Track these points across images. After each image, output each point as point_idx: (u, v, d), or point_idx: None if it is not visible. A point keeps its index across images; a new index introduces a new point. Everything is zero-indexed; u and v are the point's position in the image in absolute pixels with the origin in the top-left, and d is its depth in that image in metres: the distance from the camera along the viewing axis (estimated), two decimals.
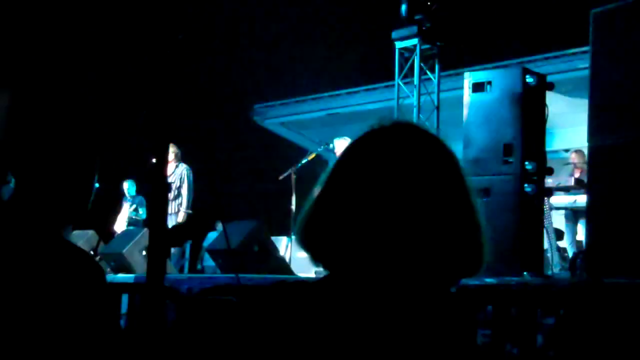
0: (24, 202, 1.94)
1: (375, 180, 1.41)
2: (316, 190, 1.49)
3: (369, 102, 13.35)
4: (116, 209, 11.13)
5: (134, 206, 11.04)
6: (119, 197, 11.17)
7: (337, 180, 1.47)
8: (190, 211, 9.59)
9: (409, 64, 9.77)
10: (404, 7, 9.50)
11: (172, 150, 9.51)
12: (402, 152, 1.44)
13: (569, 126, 10.67)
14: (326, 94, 14.09)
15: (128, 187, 11.21)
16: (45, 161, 1.97)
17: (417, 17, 9.44)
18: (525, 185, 6.33)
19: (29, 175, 1.96)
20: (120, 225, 10.96)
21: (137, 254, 7.63)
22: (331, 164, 1.53)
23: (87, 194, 2.07)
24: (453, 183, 1.45)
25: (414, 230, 1.38)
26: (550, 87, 6.67)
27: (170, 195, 9.25)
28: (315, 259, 1.47)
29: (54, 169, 1.98)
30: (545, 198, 7.37)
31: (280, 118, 15.31)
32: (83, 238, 9.29)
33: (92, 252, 8.49)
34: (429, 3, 9.42)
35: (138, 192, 11.27)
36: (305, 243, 1.48)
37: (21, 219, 1.92)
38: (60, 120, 2.03)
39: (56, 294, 1.81)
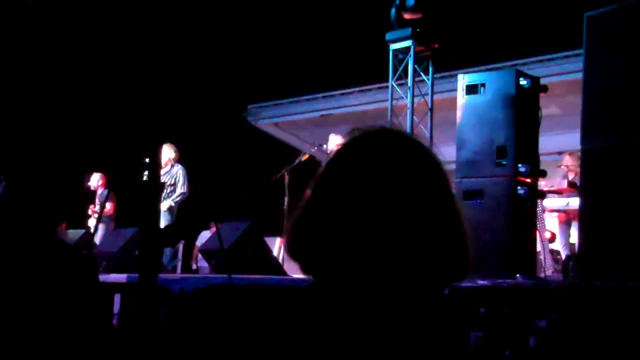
0: (15, 201, 1.94)
1: (361, 188, 1.41)
2: (303, 200, 1.49)
3: (363, 104, 13.36)
4: (87, 203, 11.16)
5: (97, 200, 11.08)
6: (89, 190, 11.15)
7: (323, 190, 1.47)
8: (174, 203, 9.65)
9: (402, 66, 9.77)
10: (393, 12, 9.52)
11: (172, 151, 9.62)
12: (387, 159, 1.44)
13: (562, 129, 10.69)
14: (320, 95, 14.09)
15: (98, 180, 11.22)
16: (36, 160, 1.97)
17: (409, 18, 9.45)
18: (518, 187, 6.34)
19: (20, 175, 1.96)
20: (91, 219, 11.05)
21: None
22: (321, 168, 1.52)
23: (77, 192, 2.07)
24: (438, 189, 1.45)
25: (400, 237, 1.38)
26: (544, 89, 6.68)
27: (164, 195, 9.33)
28: (305, 269, 1.47)
29: (44, 168, 1.97)
30: (538, 200, 7.39)
31: (274, 119, 15.31)
32: (76, 237, 9.28)
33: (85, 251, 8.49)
34: (414, 3, 9.41)
35: (105, 186, 11.29)
36: (294, 253, 1.48)
37: (13, 218, 1.92)
38: (50, 121, 2.03)
39: (48, 290, 1.81)
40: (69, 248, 1.97)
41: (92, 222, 11.02)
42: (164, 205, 9.48)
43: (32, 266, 1.84)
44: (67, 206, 1.96)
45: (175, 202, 9.73)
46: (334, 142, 8.86)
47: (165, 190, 9.49)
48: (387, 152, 1.45)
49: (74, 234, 9.42)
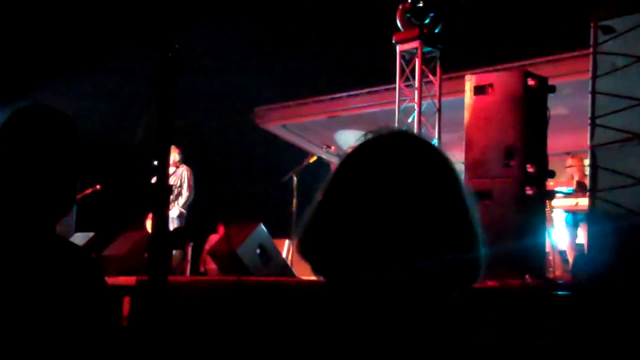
0: (7, 198, 1.92)
1: (374, 190, 1.41)
2: (315, 200, 1.49)
3: (371, 105, 13.36)
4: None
5: None
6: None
7: (335, 191, 1.47)
8: (184, 210, 9.68)
9: (410, 67, 9.77)
10: (398, 14, 9.53)
11: (174, 152, 9.64)
12: (399, 162, 1.44)
13: (570, 129, 10.67)
14: (328, 97, 14.08)
15: None
16: (26, 155, 1.95)
17: (416, 21, 9.45)
18: (527, 188, 6.33)
19: (10, 172, 1.94)
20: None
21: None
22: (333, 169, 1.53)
23: (72, 185, 2.05)
24: (450, 192, 1.45)
25: (412, 240, 1.38)
26: (552, 90, 6.67)
27: (171, 197, 9.37)
28: (316, 269, 1.48)
29: (35, 162, 1.96)
30: (547, 201, 7.37)
31: (282, 120, 15.31)
32: (84, 240, 9.31)
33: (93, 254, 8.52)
34: (421, 4, 9.41)
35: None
36: (305, 254, 1.49)
37: (8, 217, 1.90)
38: (41, 114, 2.02)
39: (52, 289, 1.81)
40: (70, 245, 1.96)
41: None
42: (174, 211, 9.51)
43: (32, 264, 1.84)
44: (62, 200, 1.93)
45: (185, 208, 9.77)
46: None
47: (173, 194, 9.55)
48: (399, 154, 1.45)
49: (81, 237, 9.45)
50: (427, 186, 1.42)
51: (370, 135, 1.51)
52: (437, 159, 1.47)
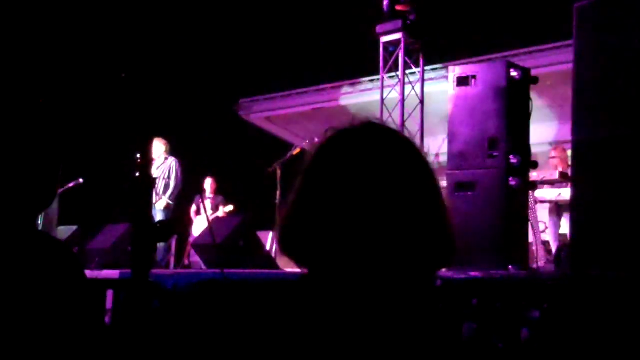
0: None
1: (347, 181, 1.43)
2: (291, 195, 1.51)
3: (354, 96, 13.35)
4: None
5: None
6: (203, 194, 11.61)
7: (310, 184, 1.49)
8: (171, 201, 9.66)
9: (393, 58, 9.77)
10: (386, 3, 9.51)
11: (161, 144, 9.62)
12: (372, 152, 1.46)
13: (553, 120, 10.72)
14: (312, 89, 14.07)
15: (211, 185, 11.71)
16: (5, 149, 1.92)
17: (400, 10, 9.44)
18: (510, 178, 6.35)
19: None
20: (199, 222, 11.15)
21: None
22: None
23: (52, 177, 2.02)
24: (422, 180, 1.48)
25: (387, 227, 1.40)
26: (535, 81, 6.69)
27: (158, 189, 9.36)
28: (297, 262, 1.49)
29: (15, 156, 1.93)
30: (530, 191, 7.40)
31: (266, 112, 15.28)
32: (67, 234, 9.27)
33: (77, 247, 8.49)
34: None
35: (216, 190, 11.74)
36: (285, 249, 1.50)
37: None
38: (19, 106, 1.99)
39: (31, 284, 1.79)
40: (50, 239, 1.95)
41: (200, 225, 11.13)
42: (161, 203, 9.47)
43: (10, 258, 1.82)
44: (42, 195, 1.91)
45: (172, 200, 9.73)
46: None
47: (160, 184, 9.52)
48: (371, 145, 1.47)
49: (64, 230, 9.41)
50: (400, 175, 1.45)
51: (330, 132, 1.53)
52: (409, 149, 1.50)
